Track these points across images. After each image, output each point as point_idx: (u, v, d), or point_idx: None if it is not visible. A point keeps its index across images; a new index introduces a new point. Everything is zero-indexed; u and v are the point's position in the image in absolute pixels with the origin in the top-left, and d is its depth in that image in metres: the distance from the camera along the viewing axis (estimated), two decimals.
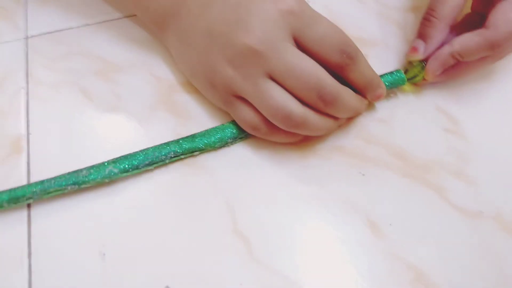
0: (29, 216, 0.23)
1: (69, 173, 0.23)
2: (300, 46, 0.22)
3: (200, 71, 0.25)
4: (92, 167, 0.23)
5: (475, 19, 0.26)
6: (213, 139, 0.24)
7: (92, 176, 0.23)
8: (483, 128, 0.26)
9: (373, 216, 0.23)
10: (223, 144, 0.25)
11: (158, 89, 0.27)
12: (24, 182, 0.24)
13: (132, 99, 0.27)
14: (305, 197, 0.24)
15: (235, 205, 0.23)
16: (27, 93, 0.27)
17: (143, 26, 0.29)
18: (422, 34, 0.26)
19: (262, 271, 0.22)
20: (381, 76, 0.26)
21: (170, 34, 0.26)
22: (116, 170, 0.23)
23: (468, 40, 0.24)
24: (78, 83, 0.27)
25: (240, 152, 0.25)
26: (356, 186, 0.24)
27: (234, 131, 0.25)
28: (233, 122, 0.25)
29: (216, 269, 0.22)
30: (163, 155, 0.24)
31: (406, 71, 0.26)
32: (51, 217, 0.23)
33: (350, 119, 0.26)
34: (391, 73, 0.26)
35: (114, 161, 0.23)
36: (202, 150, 0.25)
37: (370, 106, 0.26)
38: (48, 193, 0.23)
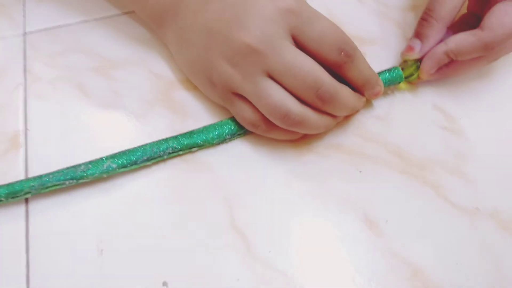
0: (27, 211, 0.23)
1: (67, 168, 0.23)
2: (299, 44, 0.22)
3: (199, 68, 0.25)
4: (90, 162, 0.23)
5: (471, 19, 0.26)
6: (211, 135, 0.25)
7: (90, 171, 0.23)
8: (480, 126, 0.26)
9: (370, 213, 0.23)
10: (221, 140, 0.25)
11: (156, 86, 0.27)
12: (22, 178, 0.24)
13: (130, 96, 0.27)
14: (302, 194, 0.24)
15: (233, 201, 0.24)
16: (25, 89, 0.27)
17: (142, 23, 0.29)
18: (419, 33, 0.26)
19: (259, 267, 0.22)
20: (379, 73, 0.26)
21: (169, 31, 0.26)
22: (114, 166, 0.23)
23: (463, 39, 0.24)
24: (76, 79, 0.27)
25: (239, 148, 0.25)
26: (353, 183, 0.24)
27: (232, 127, 0.25)
28: (231, 119, 0.25)
29: (214, 264, 0.22)
30: (161, 151, 0.24)
31: (402, 70, 0.27)
32: (49, 212, 0.23)
33: (348, 117, 0.26)
34: (388, 70, 0.26)
35: (112, 156, 0.23)
36: (200, 147, 0.25)
37: (368, 103, 0.26)
38: (46, 187, 0.23)
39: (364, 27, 0.30)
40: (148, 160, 0.24)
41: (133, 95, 0.27)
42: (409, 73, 0.26)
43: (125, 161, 0.23)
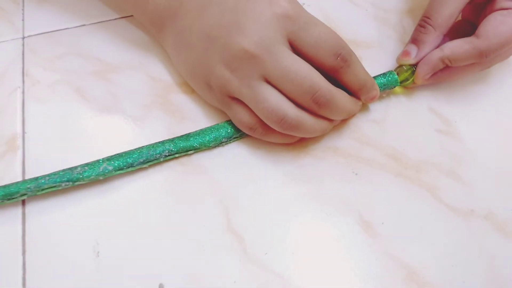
0: (23, 213, 0.23)
1: (63, 170, 0.23)
2: (296, 49, 0.23)
3: (197, 72, 0.25)
4: (86, 164, 0.23)
5: (465, 26, 0.27)
6: (207, 138, 0.25)
7: (86, 173, 0.23)
8: (475, 129, 0.26)
9: (366, 215, 0.23)
10: (218, 143, 0.25)
11: (154, 89, 0.27)
12: (19, 180, 0.24)
13: (129, 99, 0.27)
14: (299, 196, 0.24)
15: (230, 203, 0.24)
16: (23, 93, 0.27)
17: (140, 27, 0.30)
18: (415, 39, 0.26)
19: (256, 269, 0.22)
20: (375, 77, 0.26)
21: (168, 35, 0.26)
22: (110, 168, 0.23)
23: (458, 46, 0.24)
24: (74, 83, 0.27)
25: (235, 151, 0.25)
26: (349, 186, 0.24)
27: (229, 131, 0.25)
28: (228, 122, 0.25)
29: (210, 267, 0.22)
30: (158, 154, 0.24)
31: (397, 74, 0.27)
32: (46, 214, 0.23)
33: (344, 120, 0.26)
34: (384, 74, 0.27)
35: (109, 158, 0.24)
36: (196, 149, 0.25)
37: (364, 107, 0.27)
38: (42, 189, 0.23)
39: (361, 31, 0.30)
40: (144, 162, 0.24)
41: (131, 98, 0.27)
42: (404, 78, 0.27)
43: (121, 163, 0.23)
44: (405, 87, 0.27)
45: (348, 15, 0.31)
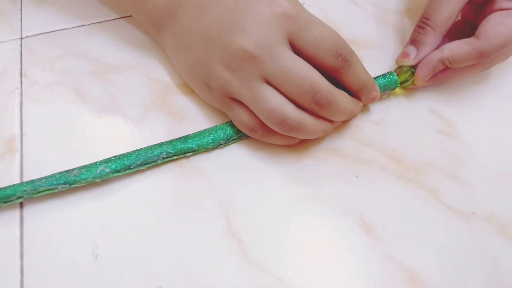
0: (21, 216, 0.23)
1: (60, 173, 0.23)
2: (296, 49, 0.23)
3: (197, 73, 0.25)
4: (83, 166, 0.23)
5: (465, 27, 0.27)
6: (205, 140, 0.24)
7: (83, 175, 0.23)
8: (477, 130, 0.26)
9: (367, 217, 0.23)
10: (216, 145, 0.25)
11: (153, 90, 0.27)
12: (17, 182, 0.24)
13: (127, 100, 0.27)
14: (299, 198, 0.24)
15: (229, 205, 0.23)
16: (21, 94, 0.27)
17: (139, 27, 0.29)
18: (414, 40, 0.26)
19: (255, 272, 0.22)
20: (374, 78, 0.26)
21: (167, 36, 0.26)
22: (107, 170, 0.23)
23: (458, 47, 0.24)
24: (73, 83, 0.27)
25: (235, 153, 0.25)
26: (350, 187, 0.24)
27: (227, 133, 0.25)
28: (226, 124, 0.25)
29: (210, 270, 0.22)
30: (155, 156, 0.24)
31: (396, 75, 0.27)
32: (44, 217, 0.23)
33: (345, 121, 0.26)
34: (383, 75, 0.26)
35: (106, 161, 0.23)
36: (195, 151, 0.25)
37: (364, 108, 0.27)
38: (39, 192, 0.22)
39: (361, 31, 0.30)
40: (142, 165, 0.24)
41: (130, 99, 0.27)
42: (403, 79, 0.26)
43: (118, 165, 0.23)
44: (405, 88, 0.27)
45: (348, 15, 0.31)
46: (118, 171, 0.23)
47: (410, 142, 0.26)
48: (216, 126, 0.25)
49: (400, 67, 0.27)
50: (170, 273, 0.22)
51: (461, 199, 0.24)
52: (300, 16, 0.22)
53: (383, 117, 0.27)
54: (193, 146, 0.24)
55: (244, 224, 0.23)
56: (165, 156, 0.24)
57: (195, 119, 0.26)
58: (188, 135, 0.25)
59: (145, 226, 0.23)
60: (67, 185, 0.23)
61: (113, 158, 0.24)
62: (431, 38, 0.25)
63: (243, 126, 0.24)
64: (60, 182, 0.22)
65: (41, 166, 0.24)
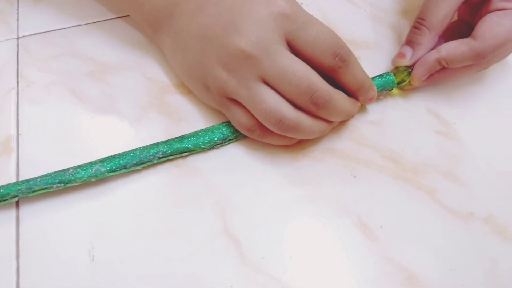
0: (17, 217, 0.23)
1: (55, 172, 0.23)
2: (293, 49, 0.22)
3: (194, 73, 0.25)
4: (79, 166, 0.23)
5: (461, 26, 0.27)
6: (202, 140, 0.24)
7: (78, 174, 0.23)
8: (474, 130, 0.26)
9: (364, 217, 0.23)
10: (212, 145, 0.25)
11: (150, 90, 0.27)
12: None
13: (124, 100, 0.27)
14: (296, 198, 0.24)
15: (226, 206, 0.23)
16: (18, 94, 0.27)
17: (136, 27, 0.29)
18: (410, 41, 0.26)
19: (252, 273, 0.22)
20: (372, 78, 0.26)
21: (165, 36, 0.26)
22: (103, 169, 0.23)
23: (455, 48, 0.24)
24: (69, 83, 0.27)
25: (232, 153, 0.25)
26: (347, 188, 0.24)
27: (224, 133, 0.25)
28: (223, 124, 0.25)
29: (206, 270, 0.22)
30: (151, 155, 0.24)
31: (393, 76, 0.27)
32: (41, 217, 0.23)
33: (343, 122, 0.26)
34: (381, 76, 0.26)
35: (102, 160, 0.23)
36: (191, 151, 0.24)
37: (362, 108, 0.26)
38: (34, 191, 0.22)
39: (359, 31, 0.30)
40: (137, 164, 0.24)
41: (127, 99, 0.27)
42: (400, 79, 0.26)
43: (114, 165, 0.23)
44: (402, 88, 0.27)
45: (346, 15, 0.31)
46: (114, 171, 0.23)
47: (408, 142, 0.26)
48: (213, 126, 0.25)
49: (396, 67, 0.27)
50: (167, 273, 0.22)
51: (458, 200, 0.24)
52: (298, 16, 0.22)
53: (381, 118, 0.27)
54: (189, 146, 0.24)
55: (241, 225, 0.23)
56: (161, 156, 0.24)
57: (193, 119, 0.26)
58: (184, 135, 0.25)
59: (142, 226, 0.23)
60: (62, 184, 0.23)
61: (108, 158, 0.23)
62: (427, 39, 0.25)
63: (241, 126, 0.24)
64: (55, 181, 0.22)
65: (37, 167, 0.24)
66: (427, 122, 0.26)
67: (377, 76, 0.26)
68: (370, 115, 0.27)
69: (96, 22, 0.30)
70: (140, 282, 0.21)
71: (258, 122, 0.23)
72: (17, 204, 0.23)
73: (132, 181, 0.24)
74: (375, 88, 0.25)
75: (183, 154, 0.24)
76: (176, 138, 0.25)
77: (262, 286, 0.21)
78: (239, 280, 0.21)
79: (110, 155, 0.24)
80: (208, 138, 0.24)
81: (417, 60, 0.26)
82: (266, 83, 0.22)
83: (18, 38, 0.29)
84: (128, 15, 0.30)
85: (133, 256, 0.22)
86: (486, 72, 0.28)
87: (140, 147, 0.24)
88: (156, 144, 0.24)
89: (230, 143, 0.25)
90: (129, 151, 0.24)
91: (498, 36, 0.23)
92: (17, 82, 0.27)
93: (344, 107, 0.23)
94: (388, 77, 0.26)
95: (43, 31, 0.29)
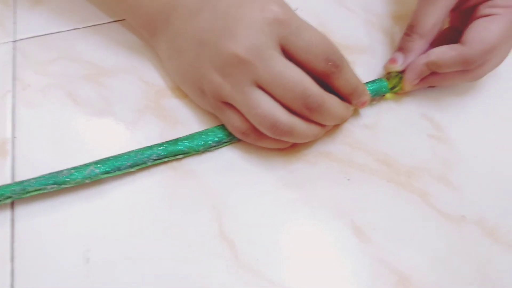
0: (12, 219, 0.23)
1: (50, 173, 0.23)
2: (287, 54, 0.23)
3: (190, 77, 0.25)
4: (73, 167, 0.23)
5: (453, 34, 0.27)
6: (196, 142, 0.25)
7: (72, 176, 0.23)
8: (467, 134, 0.26)
9: (358, 220, 0.23)
10: (207, 148, 0.25)
11: (146, 94, 0.27)
12: None
13: (121, 103, 0.27)
14: (291, 202, 0.24)
15: (221, 209, 0.24)
16: (14, 97, 0.27)
17: (133, 31, 0.29)
18: (402, 47, 0.26)
19: (247, 275, 0.22)
20: (365, 84, 0.26)
21: (160, 40, 0.26)
22: (97, 171, 0.23)
23: (444, 53, 0.25)
24: (66, 87, 0.27)
25: (227, 156, 0.25)
26: (341, 191, 0.24)
27: (219, 135, 0.25)
28: (218, 127, 0.25)
29: (202, 273, 0.22)
30: (146, 157, 0.24)
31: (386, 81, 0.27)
32: (35, 220, 0.23)
33: (336, 125, 0.26)
34: (374, 81, 0.27)
35: (96, 162, 0.23)
36: (185, 154, 0.25)
37: (355, 112, 0.27)
38: (28, 192, 0.22)
39: (353, 36, 0.30)
40: (132, 166, 0.24)
41: (123, 102, 0.27)
42: (393, 85, 0.27)
43: (108, 167, 0.23)
44: (395, 93, 0.27)
45: (340, 19, 0.31)
46: (108, 173, 0.23)
47: (401, 146, 0.26)
48: (207, 129, 0.25)
49: (388, 73, 0.27)
50: (162, 275, 0.22)
51: (451, 203, 0.24)
52: (292, 22, 0.22)
53: (375, 121, 0.27)
54: (184, 148, 0.24)
55: (235, 227, 0.23)
56: (155, 158, 0.24)
57: (188, 122, 0.26)
58: (179, 137, 0.25)
59: (137, 228, 0.23)
60: (56, 186, 0.23)
61: (103, 160, 0.24)
62: (417, 45, 0.26)
63: (235, 130, 0.24)
64: (50, 182, 0.22)
65: (33, 170, 0.24)
66: (420, 126, 0.27)
67: (370, 81, 0.27)
68: (364, 119, 0.27)
69: (93, 25, 0.30)
70: (134, 285, 0.21)
71: (253, 126, 0.23)
72: (12, 205, 0.23)
73: (127, 183, 0.24)
74: (367, 92, 0.25)
75: (178, 157, 0.25)
76: (170, 140, 0.25)
77: None
78: (233, 282, 0.22)
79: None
80: (202, 141, 0.25)
81: (409, 65, 0.26)
82: (260, 87, 0.22)
83: (14, 41, 0.29)
84: (124, 19, 0.30)
85: (128, 258, 0.22)
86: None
87: (134, 150, 0.24)
88: (151, 147, 0.24)
89: (225, 145, 0.25)
90: (123, 153, 0.24)
91: (486, 41, 0.24)
92: (13, 85, 0.27)
93: (337, 111, 0.24)
94: (381, 82, 0.26)
95: (39, 34, 0.29)
